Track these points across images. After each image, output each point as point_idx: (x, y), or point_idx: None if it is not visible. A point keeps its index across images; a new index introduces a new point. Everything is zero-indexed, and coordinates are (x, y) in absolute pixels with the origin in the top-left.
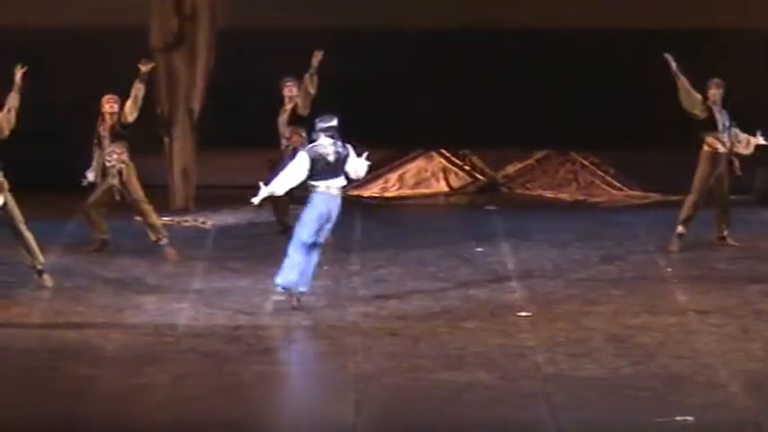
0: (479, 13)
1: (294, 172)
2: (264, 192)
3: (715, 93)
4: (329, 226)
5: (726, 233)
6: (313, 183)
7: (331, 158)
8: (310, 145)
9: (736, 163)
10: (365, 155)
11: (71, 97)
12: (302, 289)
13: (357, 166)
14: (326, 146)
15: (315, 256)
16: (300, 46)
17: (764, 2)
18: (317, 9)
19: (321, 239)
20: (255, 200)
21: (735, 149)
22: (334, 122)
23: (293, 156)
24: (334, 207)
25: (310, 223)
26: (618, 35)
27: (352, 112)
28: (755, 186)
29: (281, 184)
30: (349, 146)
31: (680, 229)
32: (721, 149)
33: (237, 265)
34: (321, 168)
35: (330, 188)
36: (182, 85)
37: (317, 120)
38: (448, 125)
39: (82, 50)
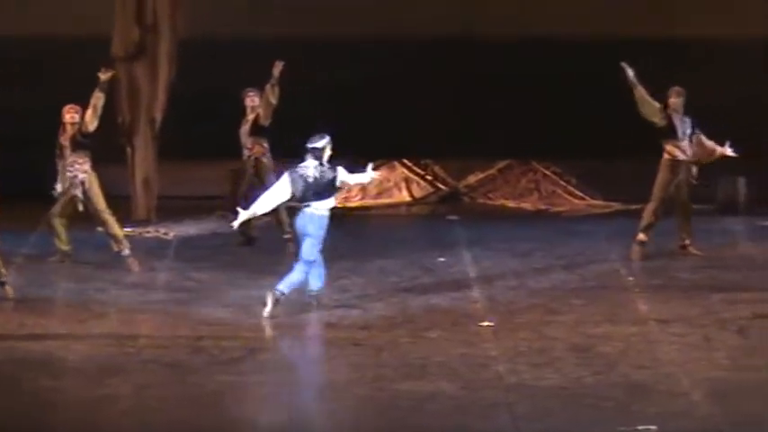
0: (448, 23)
1: (275, 193)
2: (245, 215)
3: (675, 101)
4: (307, 243)
5: (687, 242)
6: (295, 203)
7: (310, 180)
8: (296, 167)
9: (694, 170)
10: (370, 165)
11: (32, 106)
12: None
13: (358, 178)
14: (309, 167)
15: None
16: (263, 55)
17: (738, 11)
18: (281, 18)
19: (302, 256)
20: (235, 223)
21: (694, 157)
22: (320, 143)
23: (255, 166)
24: (308, 224)
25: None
26: (581, 45)
27: (314, 121)
28: (718, 196)
29: (262, 205)
30: (339, 168)
31: (640, 236)
32: (681, 157)
33: (200, 276)
34: (301, 188)
35: (307, 207)
36: (143, 94)
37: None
38: (410, 135)
39: (48, 59)
